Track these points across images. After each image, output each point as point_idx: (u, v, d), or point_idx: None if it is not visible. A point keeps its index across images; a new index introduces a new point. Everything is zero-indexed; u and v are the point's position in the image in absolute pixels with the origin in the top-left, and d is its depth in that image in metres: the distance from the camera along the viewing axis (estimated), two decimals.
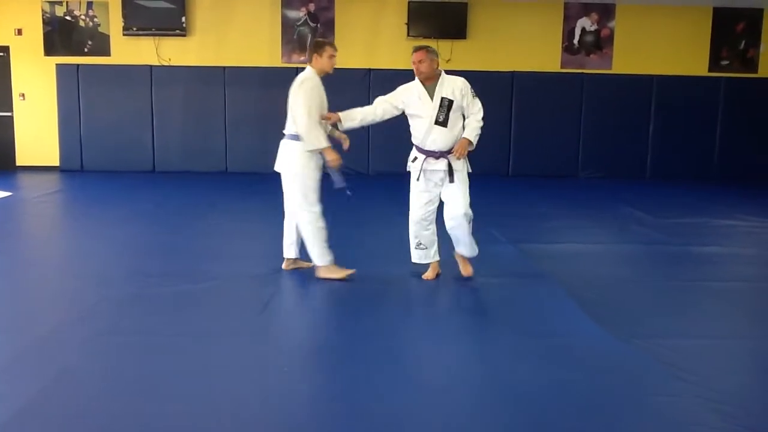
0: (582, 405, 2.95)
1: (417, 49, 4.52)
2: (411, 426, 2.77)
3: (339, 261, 4.70)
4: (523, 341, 3.70)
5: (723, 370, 3.39)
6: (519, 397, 3.03)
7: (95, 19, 10.26)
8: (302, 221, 4.66)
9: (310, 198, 4.61)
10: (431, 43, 10.40)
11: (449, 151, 4.53)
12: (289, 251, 4.88)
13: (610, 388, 3.13)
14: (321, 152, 4.55)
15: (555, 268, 5.07)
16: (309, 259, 4.79)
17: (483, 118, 4.54)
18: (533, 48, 10.47)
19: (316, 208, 4.64)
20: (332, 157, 4.54)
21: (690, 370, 3.28)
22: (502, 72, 10.27)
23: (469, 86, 4.54)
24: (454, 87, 4.50)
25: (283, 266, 4.92)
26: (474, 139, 4.50)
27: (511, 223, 6.66)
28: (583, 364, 3.38)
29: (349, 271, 4.69)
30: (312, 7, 10.28)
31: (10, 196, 8.24)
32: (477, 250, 4.77)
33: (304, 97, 4.48)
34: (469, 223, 4.62)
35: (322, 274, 4.69)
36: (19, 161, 10.52)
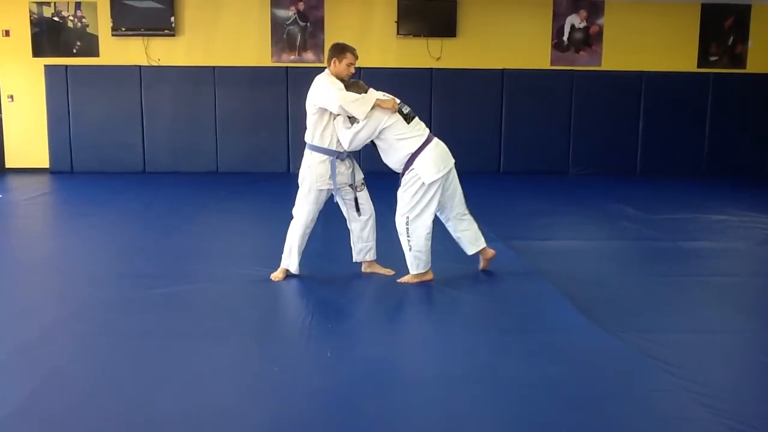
0: (571, 400, 2.96)
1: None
2: (401, 422, 2.78)
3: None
4: (513, 337, 3.71)
5: (712, 364, 3.42)
6: (509, 392, 3.04)
7: (83, 20, 10.20)
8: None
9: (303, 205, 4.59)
10: (421, 42, 10.53)
11: None
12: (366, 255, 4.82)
13: (599, 382, 3.15)
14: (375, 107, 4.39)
15: (545, 265, 5.09)
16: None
17: None
18: (523, 45, 10.49)
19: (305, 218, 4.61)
20: (388, 105, 4.42)
21: (679, 364, 3.30)
22: (492, 70, 10.28)
23: None
24: None
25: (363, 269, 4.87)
26: None
27: (502, 220, 6.67)
28: (573, 359, 3.39)
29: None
30: (301, 5, 10.26)
31: None
32: (411, 267, 4.62)
33: (326, 83, 4.40)
34: (401, 236, 4.59)
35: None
36: (9, 163, 10.47)
